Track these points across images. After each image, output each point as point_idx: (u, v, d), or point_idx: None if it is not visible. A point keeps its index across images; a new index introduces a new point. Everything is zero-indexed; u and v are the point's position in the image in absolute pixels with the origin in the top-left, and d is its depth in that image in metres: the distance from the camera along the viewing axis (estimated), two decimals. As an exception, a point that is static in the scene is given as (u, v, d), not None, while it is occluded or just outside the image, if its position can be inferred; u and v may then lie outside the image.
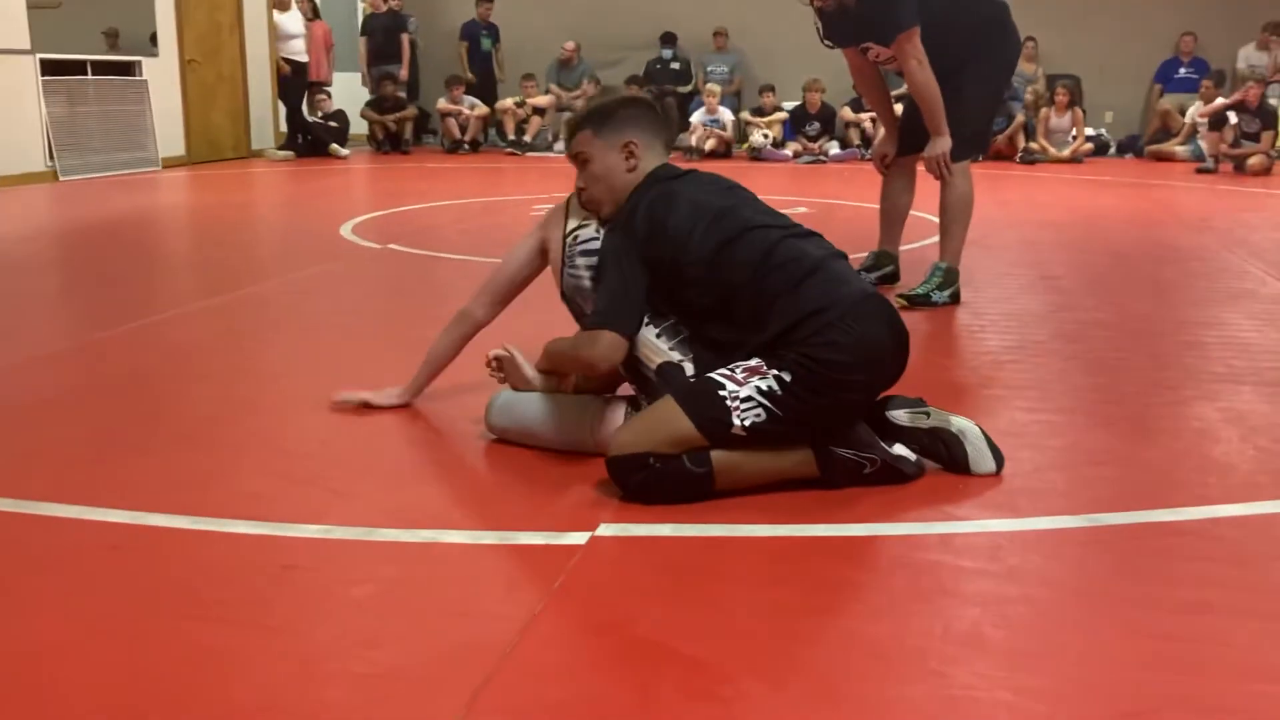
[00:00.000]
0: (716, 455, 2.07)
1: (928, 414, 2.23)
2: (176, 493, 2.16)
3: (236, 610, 1.69)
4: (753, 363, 2.09)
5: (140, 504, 2.09)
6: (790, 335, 2.08)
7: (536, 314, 2.88)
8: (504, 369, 2.49)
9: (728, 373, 2.09)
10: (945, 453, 2.22)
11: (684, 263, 2.17)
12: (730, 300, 2.15)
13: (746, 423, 2.04)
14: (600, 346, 2.18)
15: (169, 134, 9.61)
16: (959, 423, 2.23)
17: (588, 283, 2.31)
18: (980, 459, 2.21)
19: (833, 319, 2.07)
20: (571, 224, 2.38)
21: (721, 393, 2.06)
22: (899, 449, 2.20)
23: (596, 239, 2.32)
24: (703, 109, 11.02)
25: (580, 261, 2.32)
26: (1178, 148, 10.58)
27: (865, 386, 2.14)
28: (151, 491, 2.17)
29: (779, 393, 2.05)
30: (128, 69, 9.21)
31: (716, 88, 11.25)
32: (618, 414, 2.30)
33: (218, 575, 1.82)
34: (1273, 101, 9.83)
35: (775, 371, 2.06)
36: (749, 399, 2.05)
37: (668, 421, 2.07)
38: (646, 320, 2.22)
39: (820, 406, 2.08)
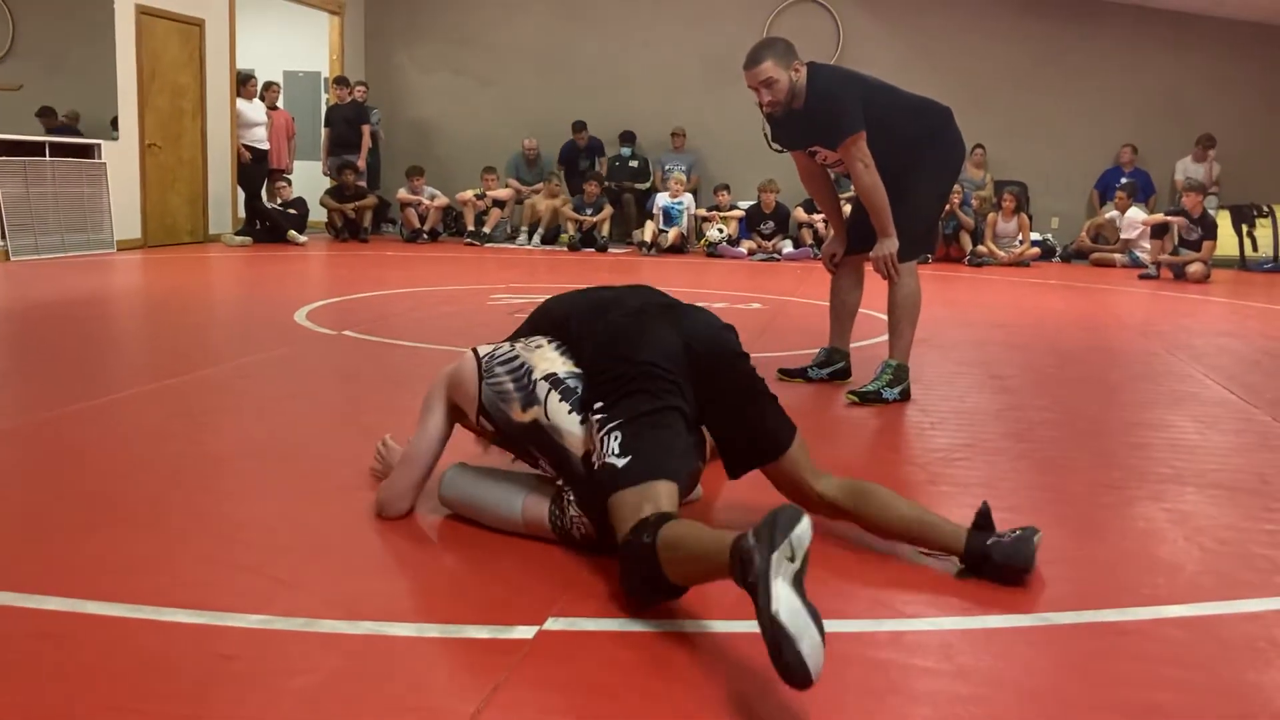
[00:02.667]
0: (664, 529, 2.02)
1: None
2: (114, 579, 2.11)
3: (171, 703, 1.64)
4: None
5: (75, 590, 2.03)
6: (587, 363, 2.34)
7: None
8: (383, 460, 2.74)
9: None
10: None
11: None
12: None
13: (614, 446, 2.14)
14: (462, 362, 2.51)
15: (126, 217, 9.58)
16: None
17: (510, 385, 2.39)
18: None
19: (603, 321, 2.36)
20: (484, 349, 2.51)
21: (593, 457, 2.21)
22: (783, 611, 1.66)
23: (512, 351, 2.46)
24: (665, 194, 11.42)
25: (499, 370, 2.43)
26: (1116, 255, 10.90)
27: (660, 370, 2.22)
28: (88, 577, 2.11)
29: (603, 405, 2.21)
30: (87, 151, 9.21)
31: (682, 176, 11.71)
32: (544, 504, 2.34)
33: (153, 665, 1.77)
34: (1212, 213, 10.19)
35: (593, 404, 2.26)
36: (600, 430, 2.19)
37: (610, 507, 2.13)
38: (569, 410, 2.32)
39: (630, 390, 2.19)
